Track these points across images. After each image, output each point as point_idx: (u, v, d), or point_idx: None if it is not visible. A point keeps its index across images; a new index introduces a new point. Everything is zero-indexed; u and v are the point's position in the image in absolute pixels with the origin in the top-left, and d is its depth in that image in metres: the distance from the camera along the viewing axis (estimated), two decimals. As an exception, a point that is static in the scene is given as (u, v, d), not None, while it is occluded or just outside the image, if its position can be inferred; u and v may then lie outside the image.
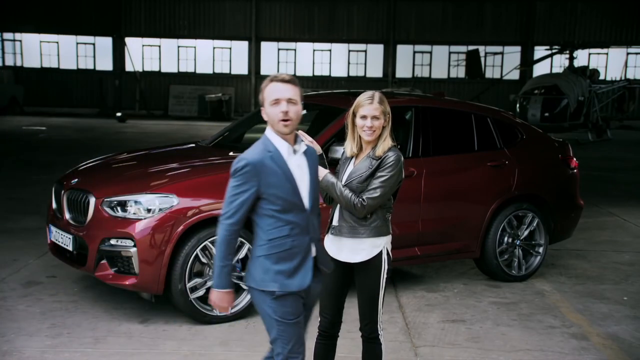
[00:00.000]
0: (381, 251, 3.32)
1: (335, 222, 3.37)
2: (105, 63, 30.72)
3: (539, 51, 28.26)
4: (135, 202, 4.71)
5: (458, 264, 6.59)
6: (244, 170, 2.78)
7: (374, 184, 3.25)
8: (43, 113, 25.90)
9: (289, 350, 2.88)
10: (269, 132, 2.88)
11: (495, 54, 29.93)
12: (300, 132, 3.05)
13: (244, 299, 4.88)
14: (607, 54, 30.07)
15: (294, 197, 2.83)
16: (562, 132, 19.61)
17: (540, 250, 6.14)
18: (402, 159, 3.33)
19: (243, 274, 4.87)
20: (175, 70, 30.89)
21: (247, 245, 4.81)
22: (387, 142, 3.31)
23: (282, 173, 2.81)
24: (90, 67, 30.80)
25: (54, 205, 5.37)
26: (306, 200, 2.88)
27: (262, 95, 2.87)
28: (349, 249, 3.32)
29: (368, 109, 3.25)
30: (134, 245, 4.60)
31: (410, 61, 31.03)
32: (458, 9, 30.09)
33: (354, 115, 3.30)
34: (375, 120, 3.25)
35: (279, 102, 2.81)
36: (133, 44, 30.52)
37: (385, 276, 3.34)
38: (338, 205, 3.35)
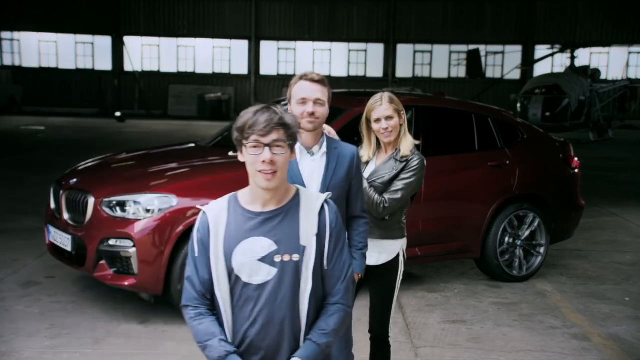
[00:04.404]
0: (399, 254, 3.32)
1: None
2: (104, 63, 30.74)
3: (540, 50, 28.32)
4: (135, 202, 4.69)
5: (458, 264, 6.57)
6: None
7: (396, 185, 3.22)
8: (42, 113, 25.90)
9: None
10: None
11: (495, 53, 29.96)
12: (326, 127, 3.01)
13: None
14: (608, 53, 30.09)
15: None
16: (563, 132, 19.60)
17: (541, 250, 6.11)
18: (425, 162, 3.31)
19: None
20: (175, 70, 30.90)
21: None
22: (409, 140, 3.26)
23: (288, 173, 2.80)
24: (90, 66, 30.82)
25: (52, 205, 5.35)
26: None
27: (289, 91, 2.86)
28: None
29: (379, 111, 3.20)
30: (133, 246, 4.58)
31: (410, 61, 31.05)
32: (458, 9, 30.09)
33: (368, 121, 3.25)
34: (389, 121, 3.20)
35: (305, 102, 2.80)
36: (132, 43, 30.53)
37: (400, 278, 3.35)
38: None
